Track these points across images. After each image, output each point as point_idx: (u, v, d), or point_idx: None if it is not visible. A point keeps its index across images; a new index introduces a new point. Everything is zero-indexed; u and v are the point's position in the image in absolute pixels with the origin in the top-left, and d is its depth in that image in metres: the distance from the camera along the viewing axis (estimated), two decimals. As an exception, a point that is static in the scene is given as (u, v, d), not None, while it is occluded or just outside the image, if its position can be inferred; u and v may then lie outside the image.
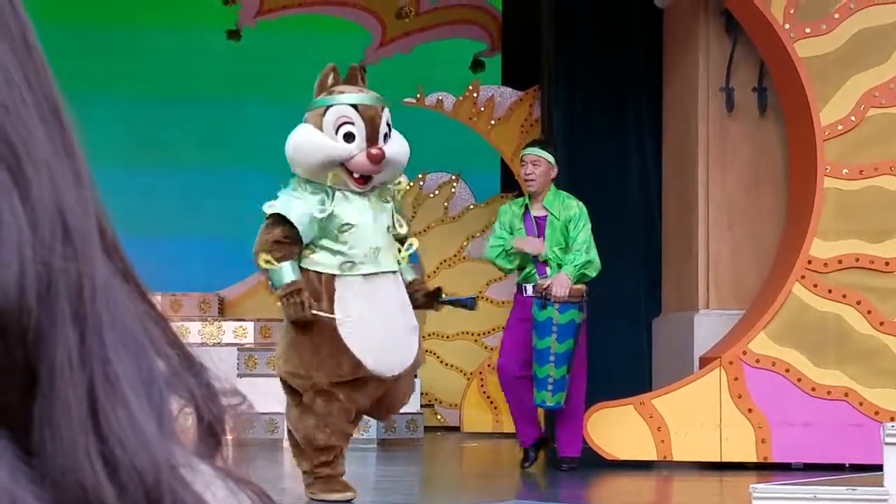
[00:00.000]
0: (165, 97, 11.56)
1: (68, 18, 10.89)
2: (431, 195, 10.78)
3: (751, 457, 6.98)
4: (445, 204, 10.66)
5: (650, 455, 7.05)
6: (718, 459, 6.99)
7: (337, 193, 4.84)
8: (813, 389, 6.94)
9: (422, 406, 9.49)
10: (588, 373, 8.70)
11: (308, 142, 4.77)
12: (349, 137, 4.72)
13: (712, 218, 7.67)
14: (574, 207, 7.07)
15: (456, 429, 9.94)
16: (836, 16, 7.19)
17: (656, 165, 8.62)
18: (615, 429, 7.05)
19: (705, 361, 7.20)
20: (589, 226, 7.05)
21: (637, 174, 8.74)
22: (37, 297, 0.40)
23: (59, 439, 0.40)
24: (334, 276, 4.88)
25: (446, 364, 10.44)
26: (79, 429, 0.40)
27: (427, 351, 10.46)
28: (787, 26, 7.16)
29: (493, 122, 10.14)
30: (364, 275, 4.87)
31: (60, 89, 0.44)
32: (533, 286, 6.92)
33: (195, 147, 11.50)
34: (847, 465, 6.82)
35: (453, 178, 10.73)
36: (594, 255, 6.98)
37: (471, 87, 10.32)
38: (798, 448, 6.93)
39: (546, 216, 7.06)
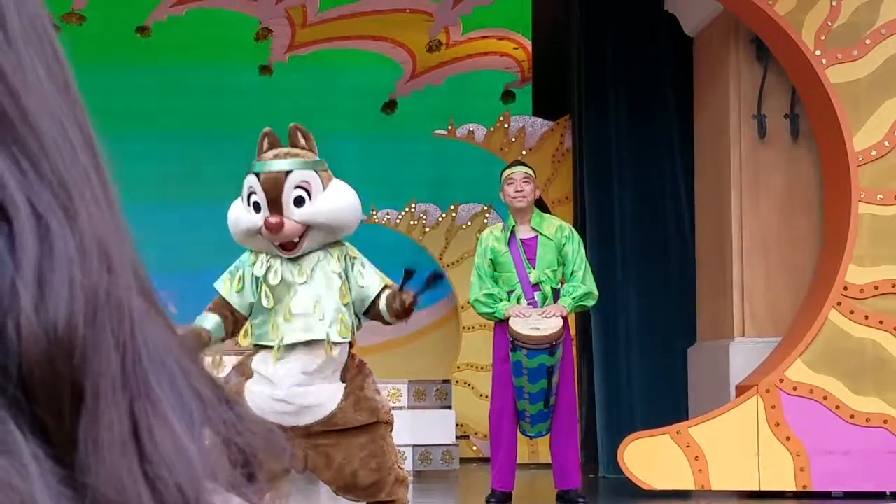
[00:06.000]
0: (200, 133, 11.64)
1: (105, 58, 11.00)
2: (464, 226, 10.79)
3: (790, 485, 6.92)
4: (478, 235, 10.67)
5: (688, 485, 7.01)
6: (757, 488, 6.94)
7: (273, 258, 4.76)
8: (851, 417, 6.89)
9: (457, 437, 9.47)
10: (617, 402, 8.66)
11: (231, 214, 4.80)
12: (257, 207, 4.70)
13: (746, 245, 7.64)
14: (566, 229, 6.86)
15: (492, 460, 9.90)
16: (868, 41, 7.17)
17: (689, 193, 8.60)
18: (652, 458, 7.01)
19: (742, 390, 7.16)
20: (583, 250, 6.85)
21: (670, 202, 8.72)
22: (84, 321, 0.41)
23: (102, 459, 0.41)
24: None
25: (481, 395, 10.41)
26: (121, 448, 0.42)
27: (462, 382, 10.47)
28: (818, 53, 7.15)
29: (524, 152, 10.16)
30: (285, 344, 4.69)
31: (96, 127, 0.47)
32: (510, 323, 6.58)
33: (230, 181, 11.52)
34: (888, 493, 6.75)
35: (485, 208, 10.74)
36: (592, 284, 6.75)
37: (502, 118, 10.35)
38: (837, 476, 6.87)
39: (535, 237, 6.81)
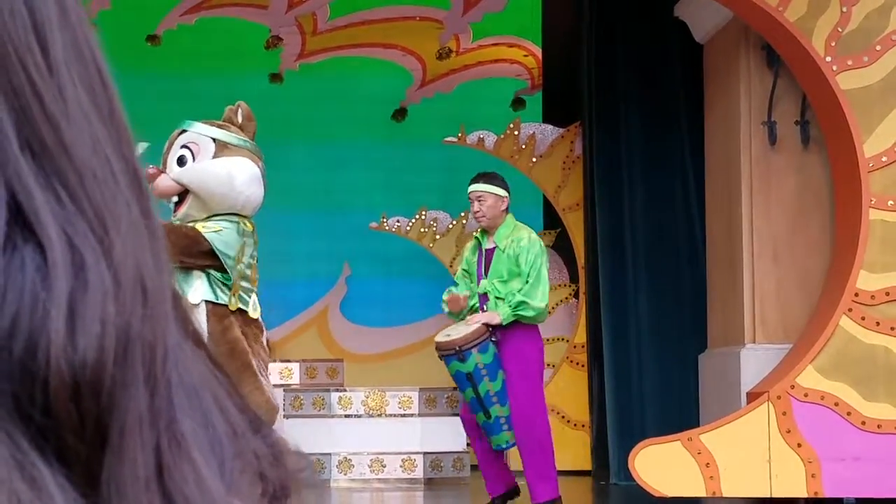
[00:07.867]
0: (210, 141, 11.66)
1: (116, 67, 11.00)
2: (474, 234, 10.79)
3: (801, 492, 6.90)
4: (489, 242, 10.68)
5: (699, 492, 7.00)
6: (768, 495, 6.93)
7: None
8: (863, 423, 6.87)
9: (468, 444, 9.46)
10: (628, 409, 8.67)
11: None
12: None
13: (757, 252, 7.64)
14: (524, 240, 6.82)
15: (503, 467, 9.89)
16: (878, 48, 7.16)
17: (699, 200, 8.59)
18: (663, 465, 7.01)
19: (753, 396, 7.15)
20: (539, 261, 6.75)
21: (680, 209, 8.72)
22: (114, 358, 0.40)
23: (125, 497, 0.40)
24: None
25: (492, 402, 10.41)
26: (145, 487, 0.41)
27: (472, 389, 10.47)
28: (828, 59, 7.14)
29: (534, 159, 10.16)
30: None
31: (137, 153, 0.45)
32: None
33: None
34: (899, 500, 6.73)
35: (496, 215, 10.74)
36: (536, 295, 6.67)
37: (512, 125, 10.35)
38: (849, 482, 6.85)
39: (494, 248, 6.89)
